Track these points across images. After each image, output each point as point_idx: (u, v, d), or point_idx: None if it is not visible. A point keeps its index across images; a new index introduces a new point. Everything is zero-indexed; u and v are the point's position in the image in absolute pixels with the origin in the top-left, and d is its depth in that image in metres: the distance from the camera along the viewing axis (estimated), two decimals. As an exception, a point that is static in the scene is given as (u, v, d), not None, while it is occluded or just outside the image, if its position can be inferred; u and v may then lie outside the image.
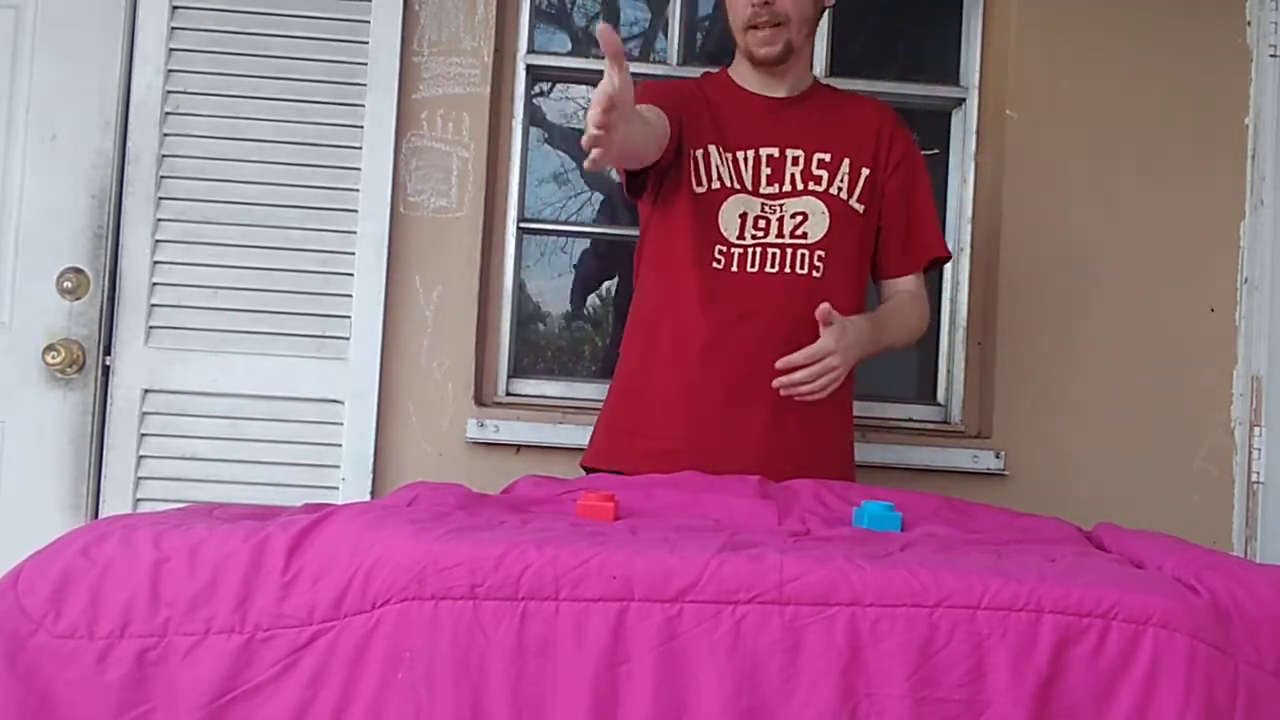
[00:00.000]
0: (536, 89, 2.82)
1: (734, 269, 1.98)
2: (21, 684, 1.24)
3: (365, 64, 2.48)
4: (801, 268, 1.99)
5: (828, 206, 2.01)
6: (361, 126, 2.48)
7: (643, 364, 2.05)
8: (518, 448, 2.53)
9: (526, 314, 2.86)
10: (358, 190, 2.47)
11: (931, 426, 2.65)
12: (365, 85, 2.48)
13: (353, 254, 2.47)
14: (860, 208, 2.04)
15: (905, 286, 2.10)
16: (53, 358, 2.41)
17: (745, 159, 2.01)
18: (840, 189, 2.02)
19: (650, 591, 1.21)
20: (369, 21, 2.48)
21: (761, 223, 1.98)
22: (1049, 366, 2.58)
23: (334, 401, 2.46)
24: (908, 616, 1.19)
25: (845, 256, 2.02)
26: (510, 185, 2.65)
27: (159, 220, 2.45)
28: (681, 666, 1.18)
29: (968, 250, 2.67)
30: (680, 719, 1.18)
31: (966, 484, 2.50)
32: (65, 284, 2.44)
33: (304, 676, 1.22)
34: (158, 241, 2.45)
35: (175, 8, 2.46)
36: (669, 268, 2.03)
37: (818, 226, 1.99)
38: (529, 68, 2.68)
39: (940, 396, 2.71)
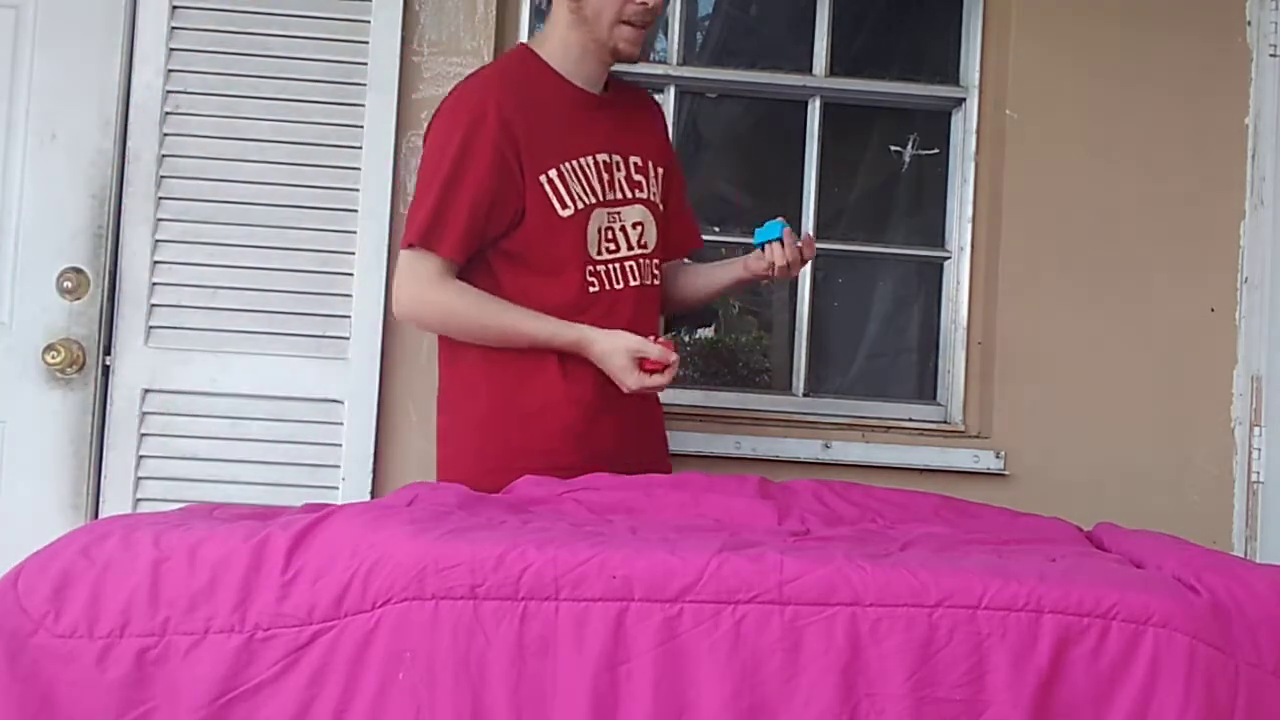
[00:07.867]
0: (536, 89, 2.81)
1: (604, 288, 1.96)
2: (22, 684, 1.24)
3: (365, 64, 2.48)
4: (647, 279, 2.02)
5: (651, 213, 2.03)
6: (361, 126, 2.47)
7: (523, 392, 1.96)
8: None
9: (526, 314, 2.85)
10: (358, 190, 2.47)
11: (931, 426, 2.64)
12: (365, 85, 2.48)
13: (353, 254, 2.46)
14: (663, 208, 2.08)
15: None
16: (53, 358, 2.41)
17: (588, 166, 1.97)
18: (654, 193, 2.05)
19: (650, 591, 1.21)
20: (369, 21, 2.48)
21: (610, 234, 1.98)
22: (1049, 366, 2.57)
23: (334, 401, 2.46)
24: (908, 616, 1.19)
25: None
26: (510, 185, 2.65)
27: (159, 220, 2.44)
28: (681, 667, 1.18)
29: (968, 250, 2.67)
30: (680, 719, 1.18)
31: (966, 484, 2.49)
32: (65, 284, 2.44)
33: (304, 676, 1.22)
34: (158, 241, 2.44)
35: (175, 8, 2.46)
36: (542, 299, 1.93)
37: (650, 234, 2.02)
38: (529, 68, 2.67)
39: (940, 396, 2.70)
